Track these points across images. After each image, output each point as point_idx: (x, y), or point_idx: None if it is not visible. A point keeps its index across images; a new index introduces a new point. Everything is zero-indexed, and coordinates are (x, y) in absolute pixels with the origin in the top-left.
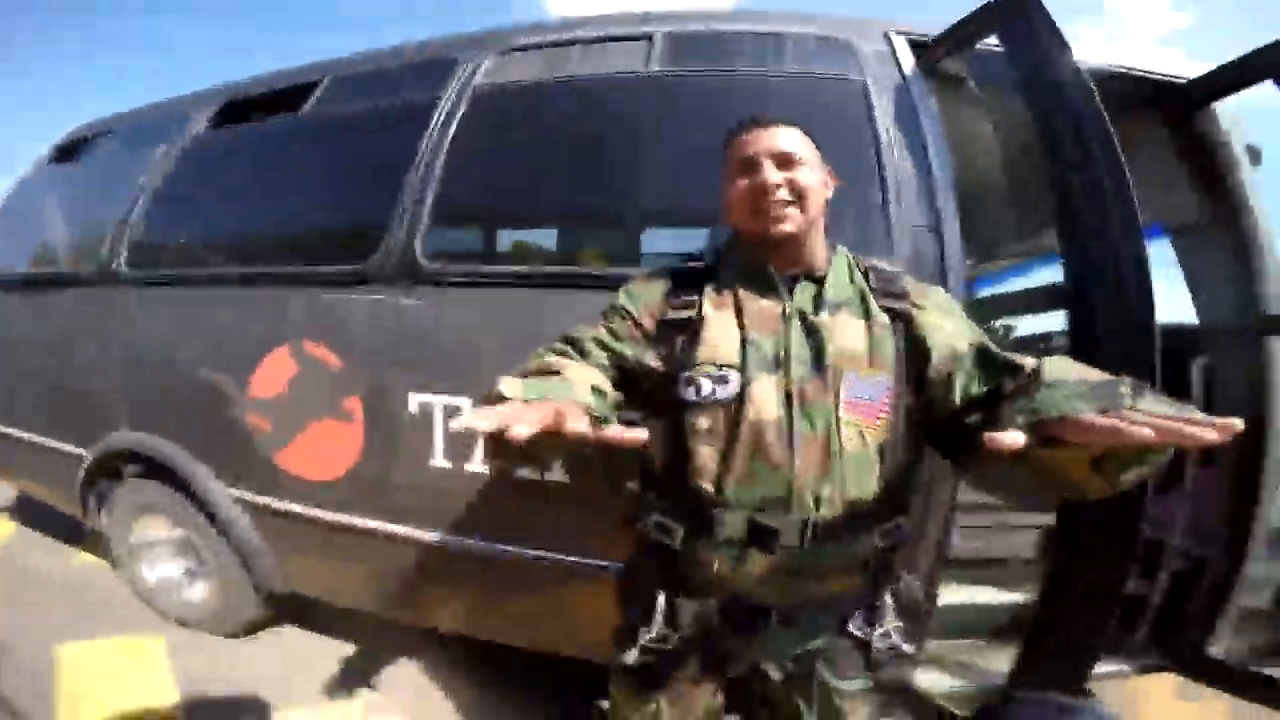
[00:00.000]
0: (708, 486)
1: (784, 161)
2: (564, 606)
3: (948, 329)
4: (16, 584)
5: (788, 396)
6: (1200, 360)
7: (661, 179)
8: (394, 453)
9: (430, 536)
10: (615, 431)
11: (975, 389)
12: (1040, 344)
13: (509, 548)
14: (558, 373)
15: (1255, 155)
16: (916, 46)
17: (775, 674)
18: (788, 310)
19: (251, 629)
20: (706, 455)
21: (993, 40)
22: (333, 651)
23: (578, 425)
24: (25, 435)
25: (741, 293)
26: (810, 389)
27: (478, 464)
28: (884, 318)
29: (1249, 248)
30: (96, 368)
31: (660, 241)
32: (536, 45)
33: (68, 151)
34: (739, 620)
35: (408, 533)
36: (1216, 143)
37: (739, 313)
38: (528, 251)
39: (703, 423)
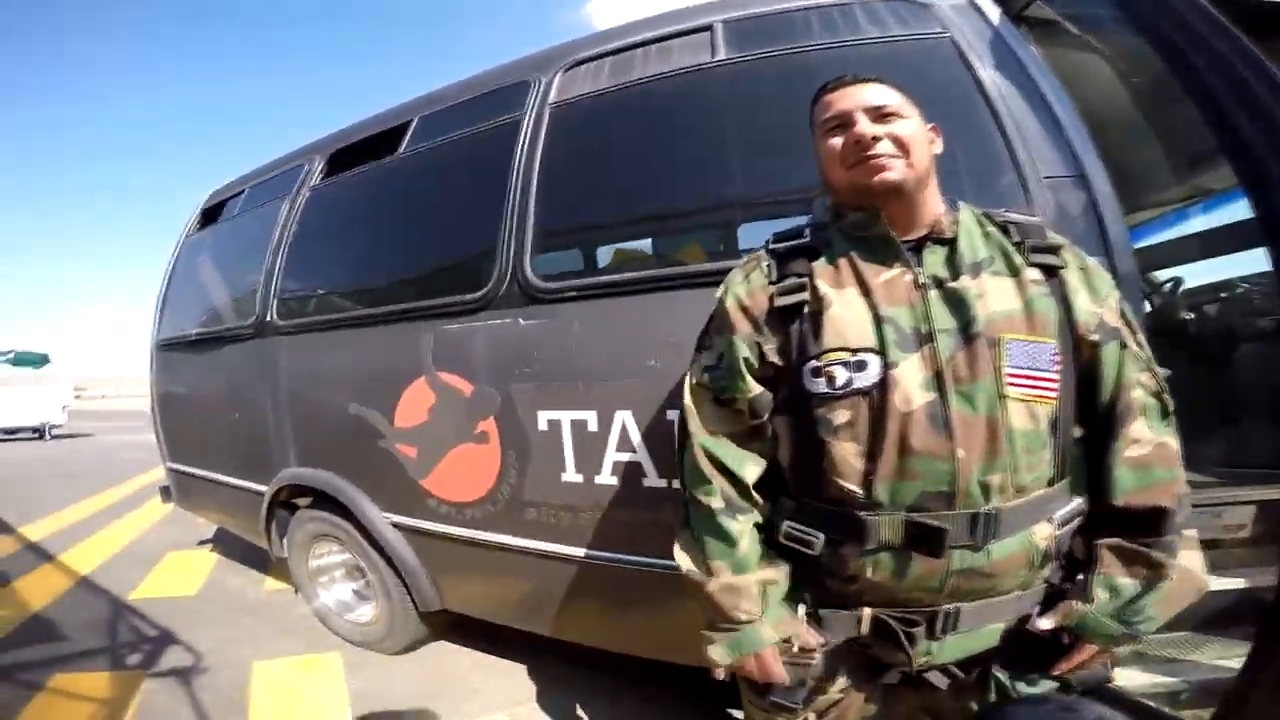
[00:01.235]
0: (852, 488)
1: (880, 115)
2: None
3: (1084, 296)
4: (218, 607)
5: (938, 376)
6: None
7: (749, 167)
8: (529, 470)
9: (568, 550)
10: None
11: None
12: (1220, 292)
13: (647, 559)
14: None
15: None
16: None
17: (940, 681)
18: (920, 278)
19: (413, 646)
20: (848, 452)
21: None
22: (487, 667)
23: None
24: (215, 475)
25: (860, 264)
26: (964, 365)
27: (608, 476)
28: (1035, 273)
29: None
30: (265, 412)
31: (759, 231)
32: (600, 55)
33: (210, 215)
34: (896, 629)
35: (547, 548)
36: None
37: (863, 288)
38: (630, 257)
39: (840, 416)
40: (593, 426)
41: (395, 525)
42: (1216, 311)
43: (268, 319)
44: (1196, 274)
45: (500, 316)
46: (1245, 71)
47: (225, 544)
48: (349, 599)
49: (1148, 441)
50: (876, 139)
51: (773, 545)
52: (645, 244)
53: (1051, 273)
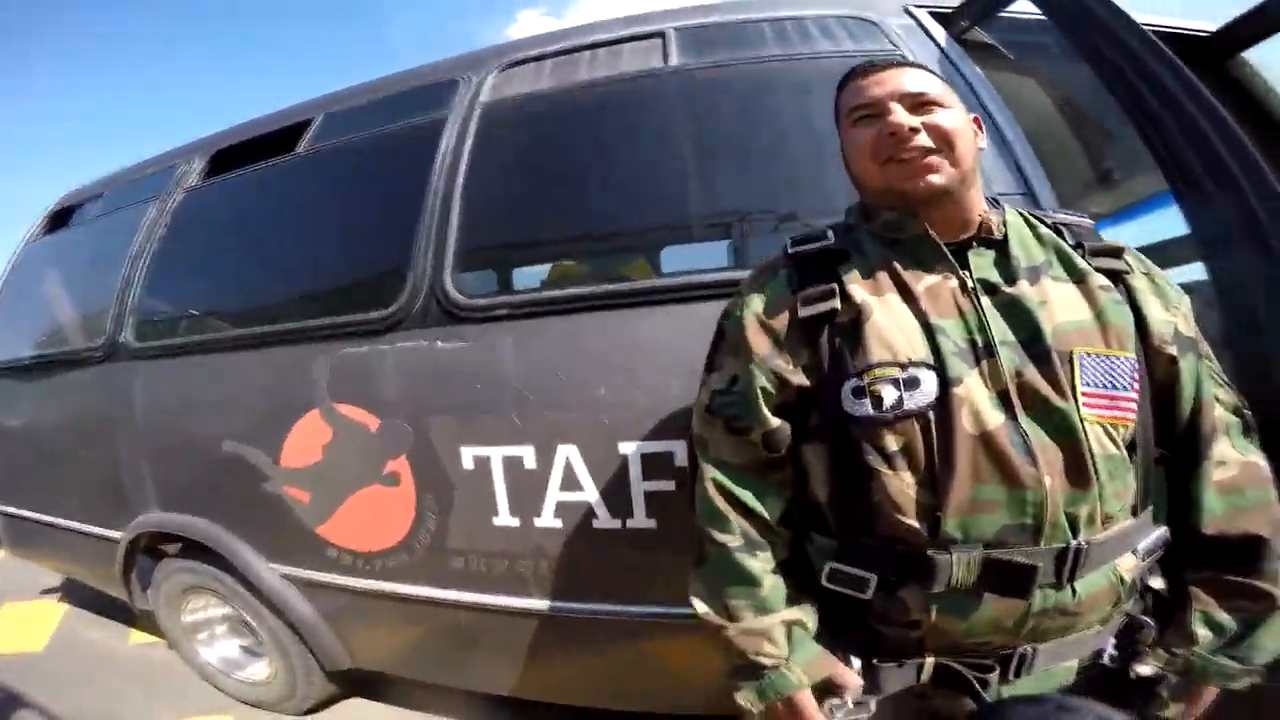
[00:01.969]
0: (913, 523)
1: (917, 104)
2: (668, 660)
3: (1156, 304)
4: (75, 665)
5: (1002, 395)
6: None
7: (699, 179)
8: (452, 514)
9: (504, 601)
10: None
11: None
12: None
13: (590, 606)
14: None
15: None
16: (937, 18)
17: None
18: (969, 283)
19: (323, 705)
20: (905, 484)
21: (1019, 7)
22: None
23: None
24: (55, 520)
25: (898, 268)
26: (1033, 382)
27: (550, 519)
28: (1102, 279)
29: None
30: (116, 448)
31: (713, 249)
32: (541, 56)
33: (61, 219)
34: (967, 676)
35: (477, 599)
36: (1262, 91)
37: (905, 294)
38: (571, 271)
39: (891, 443)
40: (530, 464)
41: (287, 578)
42: None
43: (121, 340)
44: None
45: (414, 338)
46: (1192, 106)
47: (76, 592)
48: (237, 656)
49: (1234, 462)
50: (915, 130)
51: (809, 588)
52: (587, 258)
53: (1115, 278)
